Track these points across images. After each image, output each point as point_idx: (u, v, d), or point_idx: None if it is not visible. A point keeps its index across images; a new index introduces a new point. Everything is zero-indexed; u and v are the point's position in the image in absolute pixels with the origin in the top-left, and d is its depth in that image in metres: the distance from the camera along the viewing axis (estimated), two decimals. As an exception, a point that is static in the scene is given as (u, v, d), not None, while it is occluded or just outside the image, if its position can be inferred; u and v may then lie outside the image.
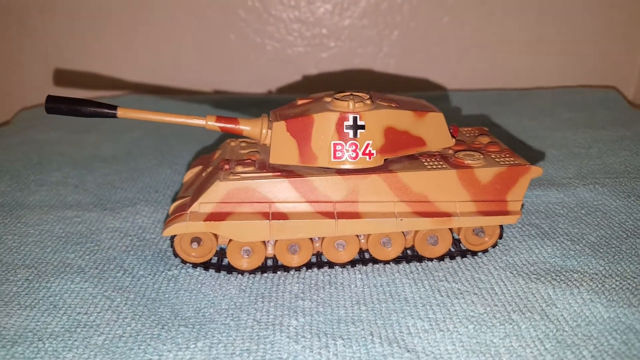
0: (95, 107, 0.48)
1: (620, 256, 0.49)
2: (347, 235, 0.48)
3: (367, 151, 0.48)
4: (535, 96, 0.95)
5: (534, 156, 0.71)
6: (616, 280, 0.45)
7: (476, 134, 0.56)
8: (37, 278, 0.48)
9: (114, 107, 0.49)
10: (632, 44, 1.00)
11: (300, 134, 0.48)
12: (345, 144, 0.47)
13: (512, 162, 0.49)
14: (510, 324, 0.41)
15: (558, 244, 0.51)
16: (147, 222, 0.58)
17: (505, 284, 0.46)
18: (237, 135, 0.53)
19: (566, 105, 0.88)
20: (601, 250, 0.50)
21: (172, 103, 0.95)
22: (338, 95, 0.50)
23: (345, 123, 0.47)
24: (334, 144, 0.48)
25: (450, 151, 0.51)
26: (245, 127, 0.51)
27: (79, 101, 0.48)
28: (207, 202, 0.46)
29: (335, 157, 0.48)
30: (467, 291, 0.45)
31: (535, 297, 0.44)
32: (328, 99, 0.51)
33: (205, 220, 0.46)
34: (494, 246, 0.50)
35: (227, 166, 0.49)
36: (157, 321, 0.42)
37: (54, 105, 0.47)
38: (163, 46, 1.02)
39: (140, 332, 0.41)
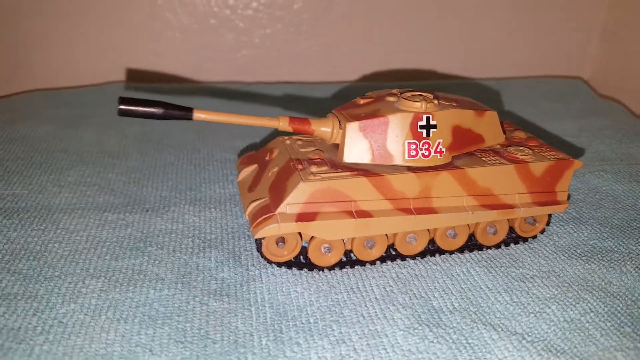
0: (171, 109, 0.47)
1: (645, 236, 0.56)
2: (419, 230, 0.51)
3: (438, 149, 0.51)
4: (511, 87, 1.02)
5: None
6: (651, 258, 0.52)
7: (511, 130, 0.61)
8: (112, 288, 0.47)
9: (190, 110, 0.48)
10: (585, 35, 1.10)
11: (375, 134, 0.50)
12: (419, 143, 0.50)
13: (558, 157, 0.54)
14: (584, 301, 0.46)
15: (590, 227, 0.57)
16: (199, 222, 0.57)
17: (563, 266, 0.51)
18: (286, 133, 0.54)
19: (543, 96, 0.96)
20: (627, 232, 0.57)
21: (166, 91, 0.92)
22: (406, 95, 0.52)
23: (419, 123, 0.50)
24: (408, 143, 0.50)
25: (498, 146, 0.56)
26: (317, 127, 0.51)
27: (153, 103, 0.46)
28: (293, 203, 0.47)
29: (409, 155, 0.50)
30: (535, 275, 0.50)
31: (592, 276, 0.49)
32: (392, 99, 0.53)
33: (296, 221, 0.46)
34: (542, 232, 0.56)
35: (300, 166, 0.50)
36: (268, 323, 0.43)
37: (128, 107, 0.45)
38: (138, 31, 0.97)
39: (254, 335, 0.42)
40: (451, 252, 0.53)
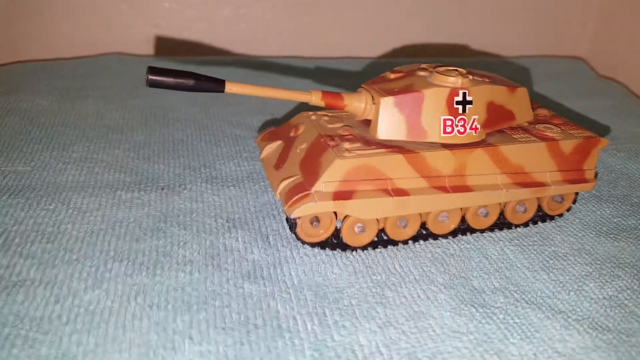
0: (203, 81, 0.44)
1: (665, 213, 0.56)
2: (453, 208, 0.50)
3: (473, 126, 0.50)
4: (508, 67, 1.01)
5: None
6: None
7: (535, 107, 0.60)
8: (138, 272, 0.44)
9: (222, 82, 0.45)
10: (582, 14, 1.10)
11: (409, 109, 0.48)
12: (455, 119, 0.49)
13: (586, 135, 0.54)
14: (618, 278, 0.46)
15: (612, 205, 0.58)
16: (219, 200, 0.55)
17: (593, 244, 0.51)
18: (314, 107, 0.52)
19: (546, 75, 0.96)
20: (648, 209, 0.57)
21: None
22: (439, 70, 0.50)
23: (456, 98, 0.49)
24: (444, 119, 0.49)
25: (526, 124, 0.55)
26: (349, 102, 0.50)
27: (185, 74, 0.44)
28: (329, 180, 0.45)
29: (444, 132, 0.49)
30: (567, 253, 0.49)
31: (622, 254, 0.50)
32: (423, 73, 0.51)
33: (333, 200, 0.45)
34: (568, 210, 0.56)
35: (332, 142, 0.48)
36: (309, 306, 0.41)
37: (158, 77, 0.43)
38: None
39: (297, 319, 0.40)
40: (482, 231, 0.53)
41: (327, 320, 0.40)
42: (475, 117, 0.49)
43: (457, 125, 0.49)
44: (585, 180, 0.54)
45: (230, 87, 0.45)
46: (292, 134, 0.54)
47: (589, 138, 0.53)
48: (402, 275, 0.46)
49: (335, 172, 0.46)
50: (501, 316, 0.41)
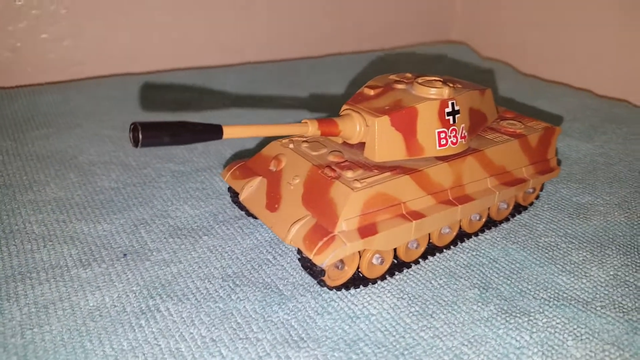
0: (199, 132, 0.37)
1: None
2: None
3: (462, 134, 0.49)
4: (400, 57, 1.04)
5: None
6: None
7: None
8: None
9: (219, 128, 0.38)
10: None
11: (405, 126, 0.46)
12: (448, 131, 0.48)
13: (544, 126, 0.57)
14: (609, 257, 0.50)
15: (564, 185, 0.62)
16: (201, 256, 0.48)
17: (571, 226, 0.54)
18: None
19: (437, 62, 1.01)
20: (594, 184, 0.63)
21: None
22: (420, 80, 0.49)
23: (446, 110, 0.48)
24: (438, 132, 0.48)
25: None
26: (344, 127, 0.46)
27: (178, 126, 0.36)
28: (350, 217, 0.42)
29: (440, 145, 0.48)
30: (558, 241, 0.52)
31: (598, 231, 0.54)
32: (401, 86, 0.50)
33: (362, 238, 0.41)
34: (537, 198, 0.59)
35: (333, 173, 0.44)
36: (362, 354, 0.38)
37: (153, 136, 0.34)
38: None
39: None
40: (475, 234, 0.53)
41: (397, 371, 0.37)
42: (463, 125, 0.49)
43: (450, 137, 0.48)
44: (552, 169, 0.57)
45: (227, 133, 0.39)
46: (272, 168, 0.49)
47: (547, 128, 0.56)
48: (437, 300, 0.44)
49: (354, 207, 0.42)
50: (545, 320, 0.42)
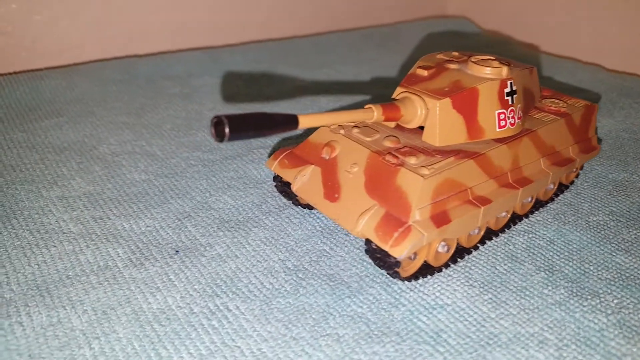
0: (278, 122, 0.35)
1: None
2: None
3: (519, 115, 0.48)
4: (398, 32, 1.02)
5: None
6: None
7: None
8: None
9: (294, 118, 0.36)
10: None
11: (467, 108, 0.45)
12: (507, 111, 0.47)
13: (584, 104, 0.56)
14: (659, 235, 0.50)
15: (598, 162, 0.62)
16: (256, 248, 0.46)
17: (615, 204, 0.54)
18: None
19: (448, 37, 0.99)
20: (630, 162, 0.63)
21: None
22: (474, 59, 0.47)
23: (505, 90, 0.46)
24: (498, 113, 0.46)
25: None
26: (406, 112, 0.44)
27: (259, 117, 0.33)
28: (422, 206, 0.40)
29: (499, 126, 0.47)
30: (606, 220, 0.52)
31: (640, 209, 0.54)
32: (454, 65, 0.48)
33: (437, 227, 0.40)
34: (577, 177, 0.58)
35: (396, 160, 0.43)
36: (468, 351, 0.37)
37: (239, 129, 0.32)
38: None
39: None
40: (526, 216, 0.52)
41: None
42: (519, 105, 0.48)
43: (508, 118, 0.47)
44: (594, 148, 0.57)
45: (302, 122, 0.37)
46: (325, 155, 0.46)
47: (588, 106, 0.56)
48: (506, 286, 0.43)
49: (426, 195, 0.40)
50: (616, 301, 0.42)
